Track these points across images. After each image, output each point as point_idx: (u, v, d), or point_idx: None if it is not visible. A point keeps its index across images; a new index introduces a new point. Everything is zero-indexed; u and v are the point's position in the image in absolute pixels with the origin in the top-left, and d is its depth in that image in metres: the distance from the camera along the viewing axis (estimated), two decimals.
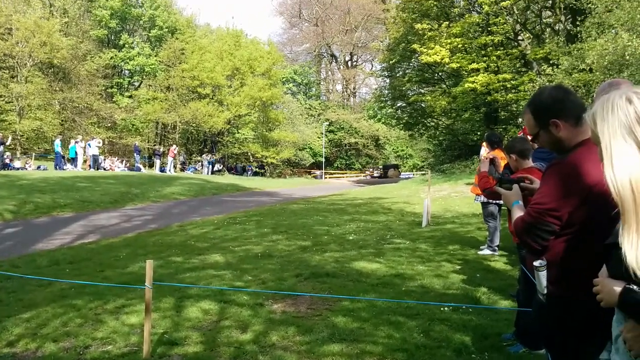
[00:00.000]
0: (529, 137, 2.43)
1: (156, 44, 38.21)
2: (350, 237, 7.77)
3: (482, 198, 6.13)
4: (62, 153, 23.40)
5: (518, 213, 1.79)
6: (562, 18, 18.98)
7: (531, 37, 21.36)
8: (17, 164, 22.84)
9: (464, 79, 21.17)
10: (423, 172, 34.75)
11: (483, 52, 21.51)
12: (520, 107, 19.75)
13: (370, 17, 52.28)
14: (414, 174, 41.88)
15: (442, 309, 3.93)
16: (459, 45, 21.10)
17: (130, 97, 37.14)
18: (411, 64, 27.75)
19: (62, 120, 32.02)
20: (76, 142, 23.95)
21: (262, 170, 40.03)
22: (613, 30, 11.75)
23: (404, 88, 27.63)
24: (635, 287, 1.17)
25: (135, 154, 29.54)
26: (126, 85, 39.10)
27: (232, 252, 6.66)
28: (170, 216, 11.25)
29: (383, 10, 43.78)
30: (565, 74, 12.80)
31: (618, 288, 1.21)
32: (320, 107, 54.01)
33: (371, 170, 47.78)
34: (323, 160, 46.56)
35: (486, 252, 6.26)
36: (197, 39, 38.84)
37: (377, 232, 8.26)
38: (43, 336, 3.50)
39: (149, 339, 3.14)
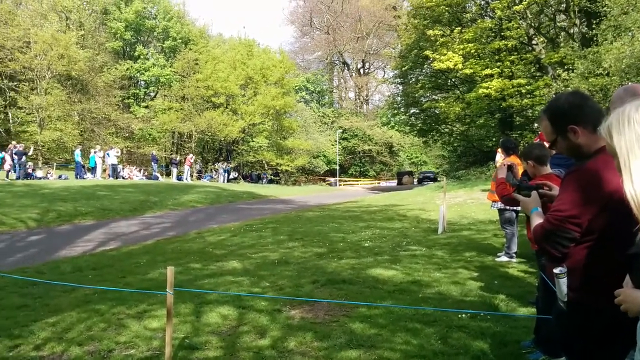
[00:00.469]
0: (546, 144, 2.43)
1: (170, 54, 38.88)
2: (366, 244, 7.77)
3: (499, 204, 6.08)
4: (82, 162, 23.98)
5: (537, 220, 1.78)
6: (577, 21, 18.75)
7: (545, 41, 21.11)
8: (39, 173, 23.47)
9: (478, 84, 21.04)
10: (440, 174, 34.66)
11: (496, 57, 21.34)
12: (536, 112, 19.53)
13: (381, 24, 52.31)
14: (435, 173, 41.25)
15: (459, 316, 3.91)
16: (472, 51, 20.99)
17: (146, 107, 37.82)
18: (424, 71, 27.69)
19: (82, 131, 32.77)
20: (95, 152, 24.50)
21: (277, 178, 40.28)
22: (630, 33, 11.60)
23: (417, 95, 27.54)
24: None
25: (152, 163, 30.06)
26: (142, 96, 39.82)
27: (249, 258, 6.72)
28: (187, 224, 11.41)
29: (394, 17, 43.88)
30: (581, 78, 12.65)
31: None
32: (334, 115, 54.10)
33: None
34: (337, 167, 46.58)
35: (504, 258, 6.20)
36: (210, 49, 39.43)
37: (392, 239, 8.24)
38: (68, 340, 3.60)
39: (171, 343, 3.21)
